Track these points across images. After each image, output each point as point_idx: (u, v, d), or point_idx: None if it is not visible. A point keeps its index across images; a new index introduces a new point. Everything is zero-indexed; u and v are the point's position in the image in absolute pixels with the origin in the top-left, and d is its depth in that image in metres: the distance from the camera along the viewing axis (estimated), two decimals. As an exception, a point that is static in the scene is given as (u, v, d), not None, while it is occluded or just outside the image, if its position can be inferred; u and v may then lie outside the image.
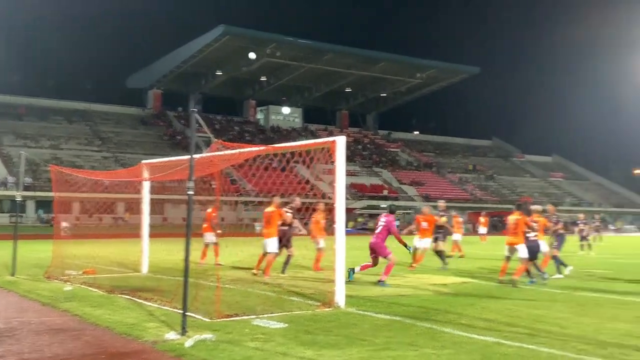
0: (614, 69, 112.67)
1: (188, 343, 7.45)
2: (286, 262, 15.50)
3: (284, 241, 15.21)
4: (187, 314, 8.20)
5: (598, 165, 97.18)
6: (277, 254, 14.97)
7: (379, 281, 13.52)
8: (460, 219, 24.48)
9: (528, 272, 14.36)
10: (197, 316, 9.08)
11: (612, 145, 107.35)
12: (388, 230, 13.64)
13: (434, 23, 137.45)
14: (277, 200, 15.24)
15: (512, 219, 14.21)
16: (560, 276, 15.86)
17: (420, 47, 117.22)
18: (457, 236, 23.36)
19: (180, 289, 8.57)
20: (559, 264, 16.31)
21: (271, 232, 14.75)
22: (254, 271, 15.19)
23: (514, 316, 9.80)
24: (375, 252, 13.72)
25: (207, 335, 7.77)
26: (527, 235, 14.21)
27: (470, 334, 8.25)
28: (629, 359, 7.01)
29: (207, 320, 8.96)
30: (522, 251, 13.97)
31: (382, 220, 13.76)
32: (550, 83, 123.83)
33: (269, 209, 14.91)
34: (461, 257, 22.48)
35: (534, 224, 14.49)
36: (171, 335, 7.85)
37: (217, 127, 73.68)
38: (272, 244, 14.72)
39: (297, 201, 15.89)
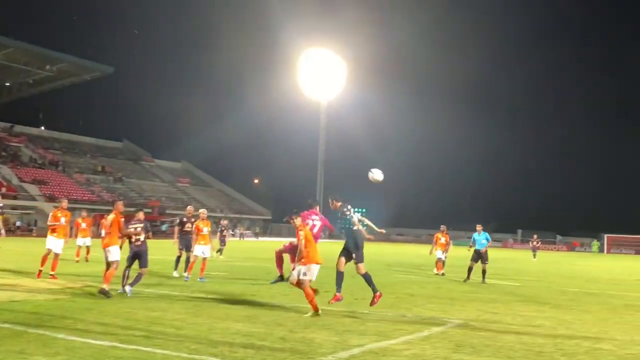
0: (247, 90, 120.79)
1: None
2: None
3: None
4: None
5: (222, 173, 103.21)
6: None
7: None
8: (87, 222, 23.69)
9: (125, 276, 13.13)
10: None
11: (235, 156, 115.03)
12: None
13: (74, 16, 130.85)
14: None
15: (109, 219, 13.11)
16: (178, 275, 16.71)
17: (58, 39, 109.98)
18: (87, 240, 22.75)
19: None
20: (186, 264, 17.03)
21: None
22: None
23: (131, 319, 9.86)
24: None
25: None
26: (133, 239, 13.14)
27: (85, 338, 8.08)
28: (237, 356, 7.55)
29: None
30: (114, 254, 12.91)
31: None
32: (184, 93, 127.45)
33: None
34: (77, 261, 21.83)
35: (138, 227, 13.19)
36: None
37: None
38: None
39: None
